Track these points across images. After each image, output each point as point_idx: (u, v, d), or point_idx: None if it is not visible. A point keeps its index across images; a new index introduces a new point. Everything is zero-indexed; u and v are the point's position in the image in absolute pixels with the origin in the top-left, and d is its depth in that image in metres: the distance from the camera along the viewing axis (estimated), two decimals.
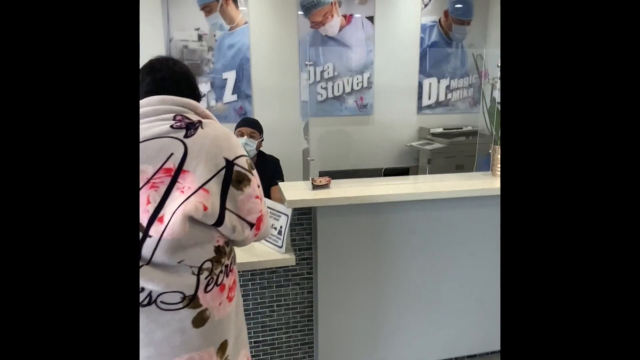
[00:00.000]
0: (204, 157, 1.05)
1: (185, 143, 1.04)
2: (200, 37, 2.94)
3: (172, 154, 1.03)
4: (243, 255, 1.56)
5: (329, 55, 3.16)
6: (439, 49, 3.33)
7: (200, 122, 1.10)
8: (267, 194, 2.08)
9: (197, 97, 1.19)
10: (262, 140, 2.25)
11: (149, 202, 1.00)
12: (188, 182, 1.02)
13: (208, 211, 1.01)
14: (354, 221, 1.65)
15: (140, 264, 0.99)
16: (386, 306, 1.77)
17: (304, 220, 1.62)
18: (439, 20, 3.29)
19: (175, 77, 1.16)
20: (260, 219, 1.12)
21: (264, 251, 1.58)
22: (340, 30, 3.14)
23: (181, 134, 1.06)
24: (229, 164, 1.05)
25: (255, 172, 1.12)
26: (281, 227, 1.56)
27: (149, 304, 1.00)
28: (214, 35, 2.96)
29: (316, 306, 1.70)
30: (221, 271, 1.09)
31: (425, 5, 3.25)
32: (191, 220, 1.00)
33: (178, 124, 1.07)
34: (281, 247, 1.55)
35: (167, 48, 2.92)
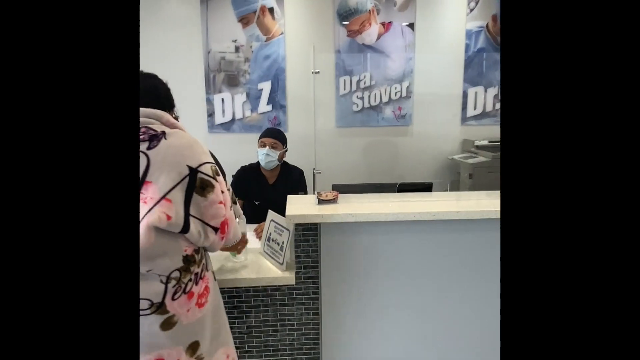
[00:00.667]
0: (166, 167, 1.07)
1: (148, 155, 1.07)
2: (237, 49, 2.99)
3: None
4: (242, 272, 1.51)
5: (365, 64, 3.07)
6: (487, 55, 3.11)
7: (164, 133, 1.12)
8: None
9: (163, 107, 1.20)
10: (286, 150, 2.21)
11: None
12: (150, 193, 1.05)
13: (172, 220, 1.03)
14: (358, 240, 1.54)
15: None
16: (394, 332, 1.63)
17: (310, 236, 1.54)
18: (487, 25, 3.07)
19: (142, 90, 1.15)
20: (224, 223, 1.13)
21: (267, 267, 1.53)
22: (378, 38, 3.04)
23: (144, 146, 1.09)
24: (193, 172, 1.08)
25: (220, 178, 1.14)
26: (283, 242, 1.49)
27: None
28: (251, 47, 2.99)
29: (321, 329, 1.61)
30: (190, 279, 1.11)
31: (471, 10, 3.05)
32: (157, 230, 1.02)
33: (141, 136, 1.11)
34: (282, 264, 1.48)
35: (205, 60, 3.00)
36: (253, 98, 3.06)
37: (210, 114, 3.07)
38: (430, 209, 1.44)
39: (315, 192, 1.57)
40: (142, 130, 1.11)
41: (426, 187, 1.75)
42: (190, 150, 1.11)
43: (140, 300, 1.05)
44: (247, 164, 2.27)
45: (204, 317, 1.15)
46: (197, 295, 1.12)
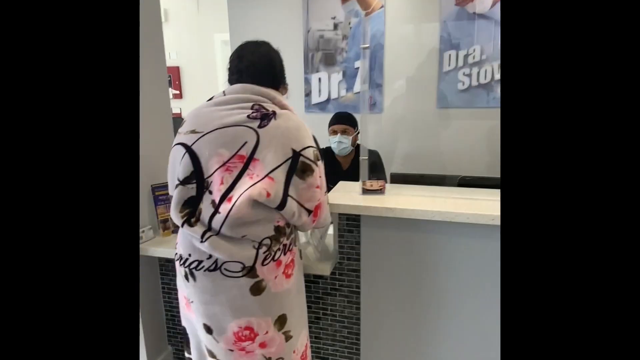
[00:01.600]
0: (273, 147, 1.13)
1: (259, 133, 1.13)
2: (335, 26, 2.93)
3: (246, 142, 1.12)
4: None
5: (476, 36, 2.71)
6: None
7: (274, 113, 1.17)
8: None
9: (277, 84, 1.28)
10: (358, 133, 2.10)
11: (222, 183, 1.12)
12: (257, 170, 1.12)
13: (271, 197, 1.10)
14: (399, 236, 1.39)
15: (210, 234, 1.13)
16: (428, 337, 1.46)
17: (353, 227, 1.45)
18: None
19: (256, 67, 1.24)
20: (318, 207, 1.18)
21: (307, 255, 1.49)
22: (492, 5, 2.64)
23: (256, 123, 1.14)
24: (296, 155, 1.13)
25: (320, 162, 1.18)
26: (322, 231, 1.44)
27: (215, 269, 1.15)
28: (349, 23, 2.89)
29: (361, 323, 1.52)
30: (279, 249, 1.17)
31: None
32: (255, 202, 1.09)
33: (254, 113, 1.16)
34: (318, 253, 1.43)
35: (305, 39, 3.01)
36: (349, 77, 2.98)
37: (307, 94, 3.10)
38: (483, 211, 1.21)
39: (361, 182, 1.46)
40: (255, 107, 1.16)
41: (493, 184, 1.48)
42: (296, 133, 1.15)
43: (234, 263, 1.13)
44: (322, 148, 2.24)
45: (290, 289, 1.20)
46: (285, 265, 1.18)
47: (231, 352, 1.20)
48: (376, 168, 2.17)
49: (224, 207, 1.11)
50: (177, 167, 1.16)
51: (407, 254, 1.41)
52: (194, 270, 1.17)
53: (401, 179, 1.79)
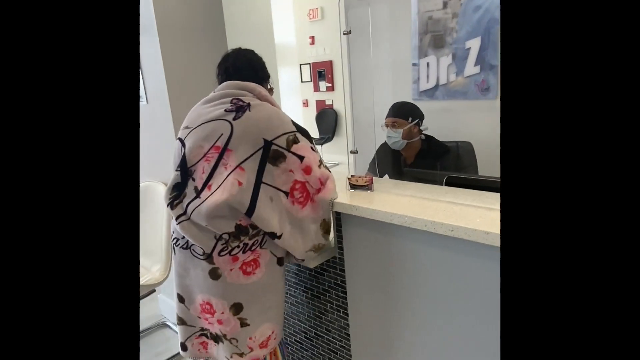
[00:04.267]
0: (245, 138, 1.23)
1: (233, 125, 1.25)
2: (445, 5, 2.66)
3: (221, 134, 1.25)
4: None
5: None
6: None
7: (249, 105, 1.27)
8: None
9: (260, 79, 1.39)
10: (416, 123, 1.90)
11: (203, 172, 1.28)
12: (230, 160, 1.24)
13: (243, 186, 1.21)
14: (374, 238, 1.27)
15: (184, 218, 1.29)
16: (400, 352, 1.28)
17: (341, 222, 1.41)
18: None
19: (238, 66, 1.38)
20: (292, 188, 1.26)
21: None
22: None
23: (231, 116, 1.26)
24: (267, 144, 1.22)
25: (296, 146, 1.24)
26: None
27: (186, 248, 1.35)
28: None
29: (350, 325, 1.46)
30: (237, 246, 1.27)
31: None
32: (224, 203, 1.20)
33: (231, 107, 1.28)
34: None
35: (414, 22, 2.85)
36: (459, 59, 2.67)
37: (415, 81, 2.93)
38: (459, 222, 1.01)
39: (349, 176, 1.38)
40: (234, 101, 1.29)
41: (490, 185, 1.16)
42: (267, 123, 1.25)
43: (198, 247, 1.28)
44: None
45: (249, 286, 1.30)
46: (242, 262, 1.28)
47: (199, 318, 1.37)
48: (456, 163, 1.93)
49: (205, 194, 1.25)
50: (175, 158, 1.37)
51: (385, 259, 1.28)
52: (174, 246, 1.37)
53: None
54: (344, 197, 1.33)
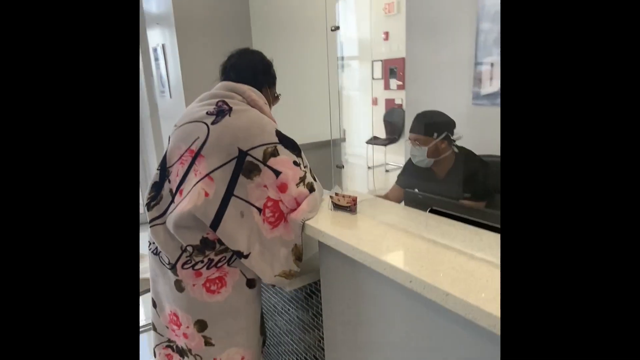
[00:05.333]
0: (218, 146, 1.14)
1: (209, 129, 1.17)
2: None
3: (197, 137, 1.17)
4: None
5: None
6: None
7: (230, 109, 1.17)
8: None
9: (259, 83, 1.29)
10: (444, 138, 1.60)
11: (177, 175, 1.23)
12: (201, 167, 1.15)
13: (209, 197, 1.11)
14: (344, 267, 1.08)
15: (156, 222, 1.24)
16: None
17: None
18: None
19: (237, 67, 1.31)
20: (265, 205, 1.15)
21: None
22: None
23: (210, 119, 1.18)
24: (242, 154, 1.12)
25: (274, 159, 1.12)
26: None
27: (156, 254, 1.34)
28: None
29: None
30: (201, 261, 1.18)
31: None
32: (191, 215, 1.12)
33: (214, 109, 1.19)
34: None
35: (477, 18, 2.50)
36: None
37: (476, 83, 2.57)
38: (456, 289, 0.78)
39: (332, 194, 1.20)
40: (219, 103, 1.21)
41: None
42: (245, 132, 1.15)
43: (164, 256, 1.22)
44: None
45: (213, 305, 1.20)
46: (206, 278, 1.19)
47: (167, 328, 1.30)
48: (482, 182, 1.65)
49: (177, 199, 1.18)
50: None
51: (359, 295, 1.09)
52: (148, 249, 1.31)
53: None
54: (323, 218, 1.15)
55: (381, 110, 5.10)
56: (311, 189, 1.17)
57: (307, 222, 1.14)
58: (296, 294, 1.39)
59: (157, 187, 1.25)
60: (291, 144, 1.19)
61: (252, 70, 1.29)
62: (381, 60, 5.00)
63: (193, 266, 1.18)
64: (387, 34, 4.86)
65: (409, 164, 1.88)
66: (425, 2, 2.85)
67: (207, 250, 1.17)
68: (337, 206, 1.21)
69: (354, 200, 1.17)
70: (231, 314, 1.22)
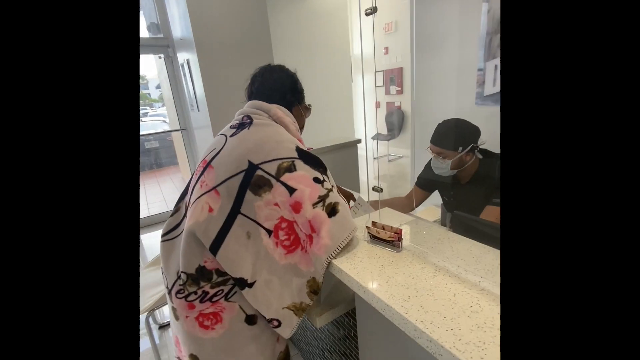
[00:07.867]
0: (229, 158, 1.03)
1: (227, 141, 1.07)
2: None
3: (214, 149, 1.09)
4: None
5: None
6: None
7: (251, 122, 1.09)
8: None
9: (288, 102, 1.19)
10: (469, 149, 1.63)
11: (192, 187, 1.11)
12: (209, 179, 1.03)
13: (214, 213, 0.98)
14: (383, 321, 1.02)
15: (167, 238, 1.13)
16: None
17: None
18: None
19: (263, 89, 1.20)
20: (278, 227, 1.00)
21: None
22: None
23: (231, 132, 1.10)
24: (252, 167, 0.99)
25: (289, 175, 0.98)
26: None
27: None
28: None
29: None
30: (195, 292, 1.03)
31: None
32: (192, 235, 1.00)
33: (237, 123, 1.12)
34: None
35: (483, 21, 2.70)
36: None
37: (481, 84, 2.74)
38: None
39: (369, 224, 1.06)
40: (243, 118, 1.13)
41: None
42: (259, 146, 1.02)
43: (165, 277, 1.10)
44: None
45: (206, 342, 1.06)
46: (199, 312, 1.04)
47: (176, 347, 1.22)
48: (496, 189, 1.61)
49: (188, 213, 1.08)
50: None
51: (397, 348, 1.00)
52: None
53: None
54: (358, 256, 0.94)
55: (383, 111, 5.85)
56: (332, 211, 0.97)
57: (334, 260, 0.95)
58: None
59: (179, 199, 1.17)
60: (313, 160, 1.03)
61: (279, 91, 1.18)
62: (382, 71, 5.58)
63: (186, 297, 1.04)
64: (387, 48, 5.55)
65: (429, 166, 1.83)
66: (428, 17, 3.04)
67: (202, 282, 1.02)
68: (375, 238, 0.98)
69: (399, 233, 0.93)
70: (228, 353, 1.05)
